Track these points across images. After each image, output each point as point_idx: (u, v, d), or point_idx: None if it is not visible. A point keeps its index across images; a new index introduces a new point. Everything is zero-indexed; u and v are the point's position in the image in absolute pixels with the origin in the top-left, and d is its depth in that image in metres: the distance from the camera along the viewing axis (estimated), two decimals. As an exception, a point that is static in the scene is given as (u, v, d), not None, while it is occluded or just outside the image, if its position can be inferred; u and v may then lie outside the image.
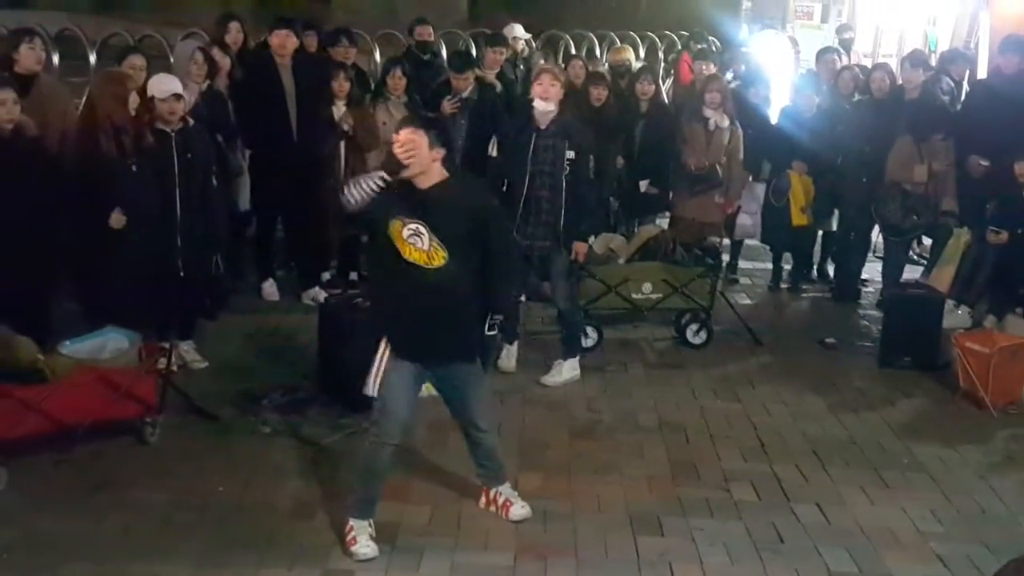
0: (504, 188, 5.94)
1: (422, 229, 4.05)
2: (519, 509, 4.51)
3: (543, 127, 5.92)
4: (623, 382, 6.30)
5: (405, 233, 4.05)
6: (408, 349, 4.18)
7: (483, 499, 4.59)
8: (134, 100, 5.39)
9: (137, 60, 6.34)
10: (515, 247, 5.36)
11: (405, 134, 4.07)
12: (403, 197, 4.09)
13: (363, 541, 4.17)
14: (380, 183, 4.03)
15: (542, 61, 8.48)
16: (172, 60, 7.11)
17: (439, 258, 4.05)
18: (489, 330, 4.31)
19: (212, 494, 4.62)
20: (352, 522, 4.22)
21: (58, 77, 8.37)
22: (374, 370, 4.22)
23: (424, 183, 4.11)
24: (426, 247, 4.05)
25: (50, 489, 4.59)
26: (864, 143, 7.79)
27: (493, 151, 6.55)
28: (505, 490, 4.57)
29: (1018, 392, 6.09)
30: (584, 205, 6.04)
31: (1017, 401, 6.07)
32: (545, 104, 5.89)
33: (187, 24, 10.55)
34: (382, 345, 4.22)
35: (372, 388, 4.24)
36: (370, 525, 4.24)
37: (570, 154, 5.90)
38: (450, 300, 4.14)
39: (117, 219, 5.50)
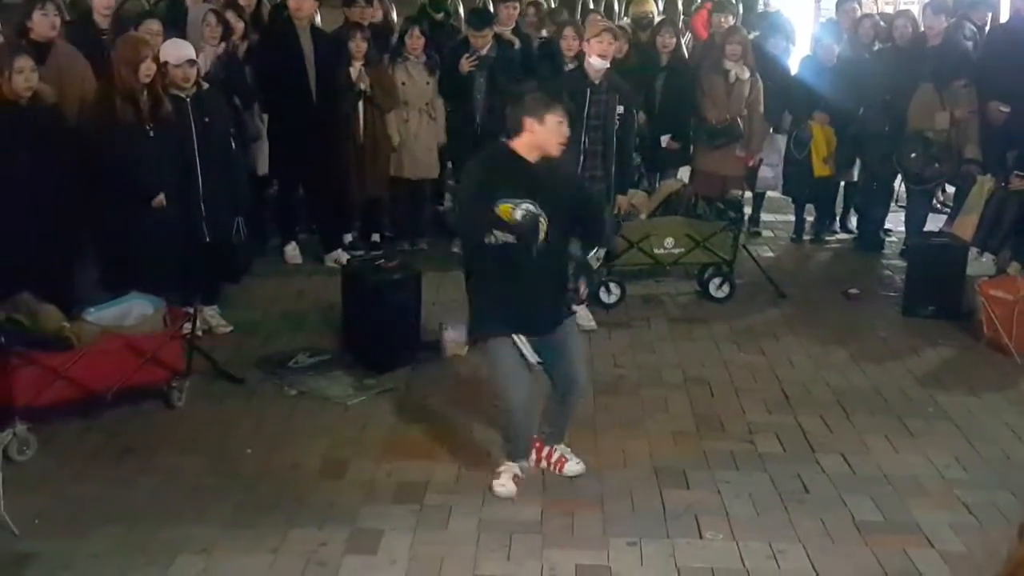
0: None
1: (531, 207, 3.99)
2: (574, 465, 4.55)
3: (596, 83, 5.98)
4: (647, 337, 6.30)
5: (517, 214, 3.97)
6: (516, 324, 4.23)
7: (534, 456, 4.58)
8: (150, 66, 5.37)
9: (154, 25, 6.33)
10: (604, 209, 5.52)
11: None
12: (511, 173, 4.09)
13: (503, 479, 4.34)
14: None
15: (598, 18, 8.33)
16: (187, 24, 7.06)
17: (544, 234, 4.05)
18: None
19: (240, 456, 4.67)
20: (504, 463, 4.40)
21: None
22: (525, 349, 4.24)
23: (534, 157, 4.15)
24: (530, 215, 4.01)
25: (79, 455, 4.65)
26: (886, 92, 7.72)
27: None
28: (560, 448, 4.60)
29: (1043, 339, 6.06)
30: (629, 159, 6.22)
31: (1042, 347, 6.04)
32: (602, 62, 5.97)
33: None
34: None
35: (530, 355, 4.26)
36: (520, 468, 4.39)
37: (620, 109, 6.02)
38: (553, 269, 4.20)
39: (159, 202, 5.53)
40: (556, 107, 4.16)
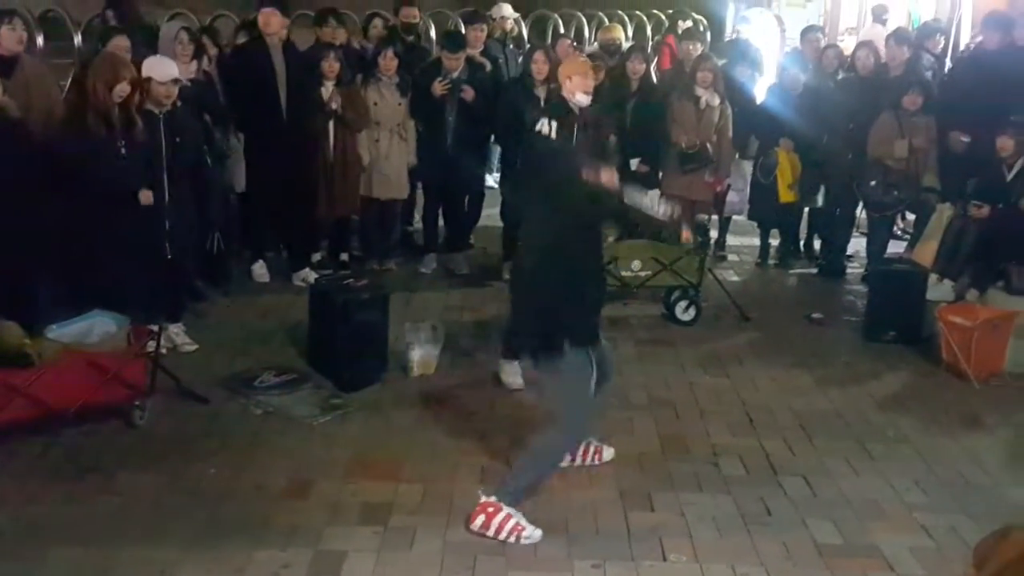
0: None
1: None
2: (609, 451, 4.89)
3: (578, 114, 6.18)
4: (613, 359, 6.32)
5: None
6: (595, 325, 4.35)
7: (568, 456, 4.65)
8: (124, 88, 5.35)
9: (122, 42, 6.32)
10: None
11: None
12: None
13: (531, 527, 4.19)
14: None
15: (579, 53, 8.40)
16: (159, 41, 7.06)
17: None
18: None
19: (203, 477, 4.64)
20: (509, 510, 4.20)
21: (42, 59, 8.33)
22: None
23: None
24: None
25: (39, 474, 4.59)
26: (848, 120, 7.84)
27: (553, 133, 6.52)
28: (592, 439, 4.84)
29: (1000, 364, 6.16)
30: None
31: (999, 373, 6.14)
32: (587, 98, 6.08)
33: (173, 5, 10.50)
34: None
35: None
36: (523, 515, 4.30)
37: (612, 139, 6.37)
38: None
39: (146, 195, 5.49)
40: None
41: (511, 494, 4.25)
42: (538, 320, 4.22)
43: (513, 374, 5.71)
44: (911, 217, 8.34)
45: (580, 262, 4.20)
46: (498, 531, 4.18)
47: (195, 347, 6.13)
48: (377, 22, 8.53)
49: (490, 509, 4.22)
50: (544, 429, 4.42)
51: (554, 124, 5.96)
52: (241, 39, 7.66)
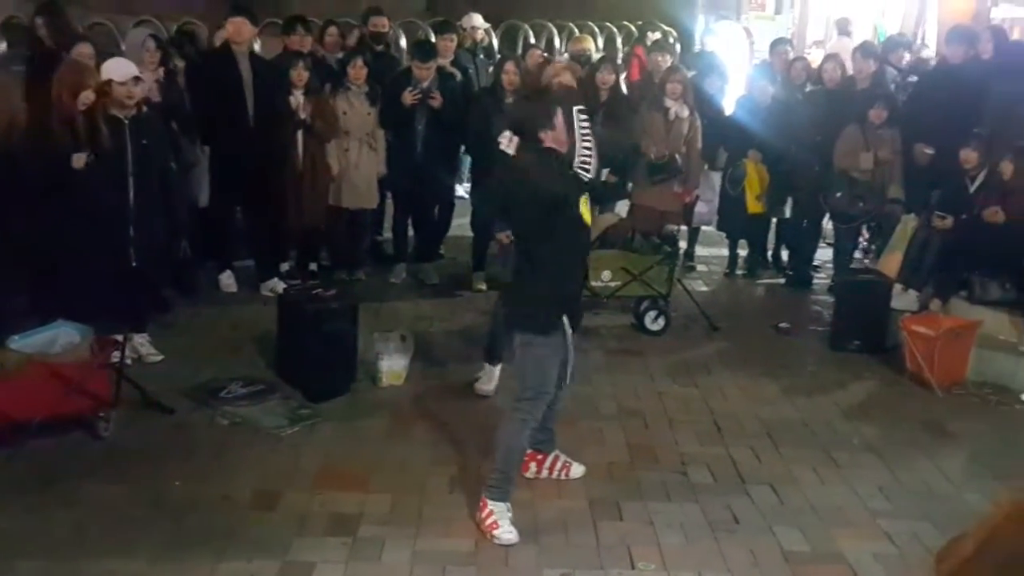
0: None
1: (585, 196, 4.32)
2: (578, 467, 4.83)
3: None
4: (582, 369, 6.26)
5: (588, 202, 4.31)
6: (575, 312, 4.37)
7: (534, 467, 4.76)
8: (89, 95, 5.31)
9: (86, 49, 6.27)
10: None
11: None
12: (573, 175, 4.32)
13: (506, 526, 4.25)
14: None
15: (547, 56, 8.47)
16: (123, 48, 7.02)
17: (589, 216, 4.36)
18: None
19: (169, 488, 4.60)
20: (493, 505, 4.29)
21: (3, 66, 8.23)
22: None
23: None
24: (588, 207, 4.34)
25: (2, 485, 4.53)
26: (816, 132, 7.92)
27: (511, 148, 6.47)
28: (561, 453, 4.81)
29: (962, 373, 6.25)
30: None
31: (961, 382, 6.22)
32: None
33: (139, 11, 10.42)
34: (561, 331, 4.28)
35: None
36: (508, 509, 4.31)
37: None
38: None
39: (78, 159, 5.40)
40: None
41: (491, 486, 4.34)
42: (533, 302, 4.31)
43: (488, 381, 5.73)
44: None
45: (561, 255, 4.27)
46: (482, 526, 4.29)
47: (160, 357, 6.08)
48: (332, 30, 8.45)
49: (481, 504, 4.33)
50: (504, 419, 4.45)
51: (515, 139, 5.92)
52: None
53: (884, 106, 7.59)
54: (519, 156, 4.48)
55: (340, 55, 8.08)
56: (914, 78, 8.53)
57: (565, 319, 4.25)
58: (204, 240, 7.45)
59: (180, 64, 7.20)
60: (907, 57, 9.01)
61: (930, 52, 10.08)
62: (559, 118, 4.28)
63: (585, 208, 4.27)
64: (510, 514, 4.30)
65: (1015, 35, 9.91)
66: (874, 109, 7.57)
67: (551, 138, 4.26)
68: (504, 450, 4.36)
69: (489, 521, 4.27)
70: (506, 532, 4.24)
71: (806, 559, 4.22)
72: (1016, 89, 7.09)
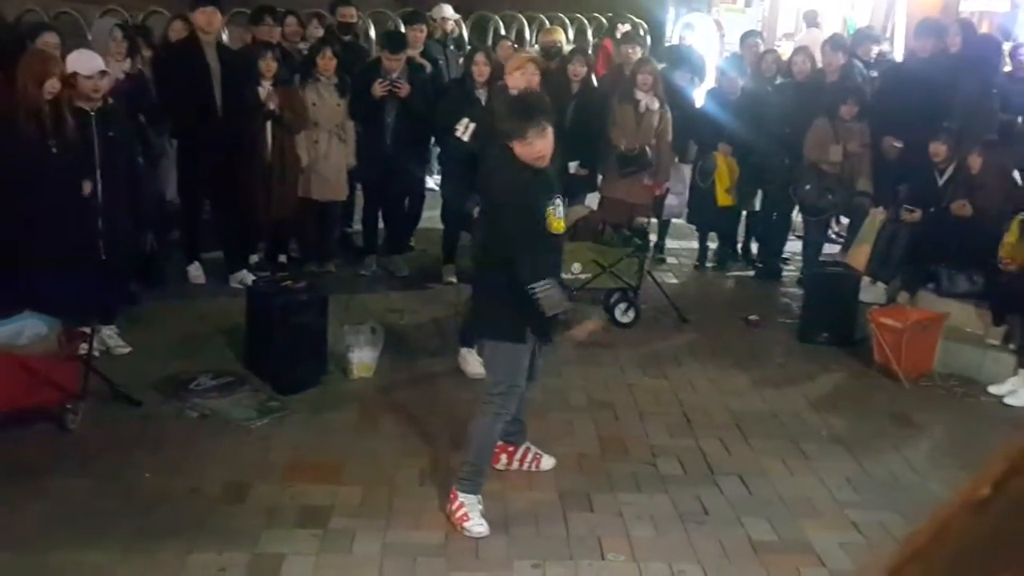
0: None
1: (558, 200, 4.22)
2: (548, 460, 4.86)
3: None
4: (553, 361, 6.29)
5: (556, 212, 4.19)
6: (548, 324, 4.29)
7: (505, 459, 4.77)
8: (54, 84, 5.25)
9: (51, 38, 6.19)
10: None
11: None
12: (541, 180, 4.21)
13: (476, 519, 4.25)
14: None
15: (517, 48, 8.44)
16: (90, 38, 6.94)
17: (563, 223, 4.29)
18: None
19: (138, 480, 4.56)
20: (464, 498, 4.28)
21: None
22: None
23: (545, 163, 4.24)
24: (563, 214, 4.27)
25: (-31, 478, 4.49)
26: (785, 125, 7.96)
27: (466, 136, 6.43)
28: (532, 446, 4.83)
29: (929, 364, 6.32)
30: None
31: (928, 373, 6.29)
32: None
33: (105, 1, 10.30)
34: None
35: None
36: (479, 501, 4.31)
37: None
38: None
39: (87, 186, 5.43)
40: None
41: (462, 479, 4.33)
42: (499, 313, 4.29)
43: (475, 364, 5.76)
44: (845, 221, 8.50)
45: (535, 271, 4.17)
46: (453, 518, 4.28)
47: (129, 349, 6.03)
48: (291, 19, 8.38)
49: (452, 496, 4.33)
50: (477, 413, 4.44)
51: (471, 127, 5.90)
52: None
53: (855, 101, 7.64)
54: (488, 149, 4.44)
55: (300, 44, 8.02)
56: (874, 74, 8.60)
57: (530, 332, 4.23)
58: (174, 231, 7.40)
59: (147, 54, 7.13)
60: (875, 50, 9.08)
61: (888, 47, 10.17)
62: (540, 137, 4.12)
63: (553, 217, 4.16)
64: (481, 507, 4.31)
65: (983, 28, 10.00)
66: (845, 105, 7.62)
67: (519, 147, 4.13)
68: (477, 444, 4.37)
69: (460, 513, 4.27)
70: (476, 525, 4.25)
71: (774, 549, 4.26)
72: (984, 82, 7.18)
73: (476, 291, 4.67)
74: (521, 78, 5.99)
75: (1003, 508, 0.48)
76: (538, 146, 4.12)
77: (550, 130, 4.16)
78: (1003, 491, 0.49)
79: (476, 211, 5.44)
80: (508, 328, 4.25)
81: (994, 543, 0.47)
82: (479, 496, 4.33)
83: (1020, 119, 8.19)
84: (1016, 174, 6.99)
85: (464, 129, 5.71)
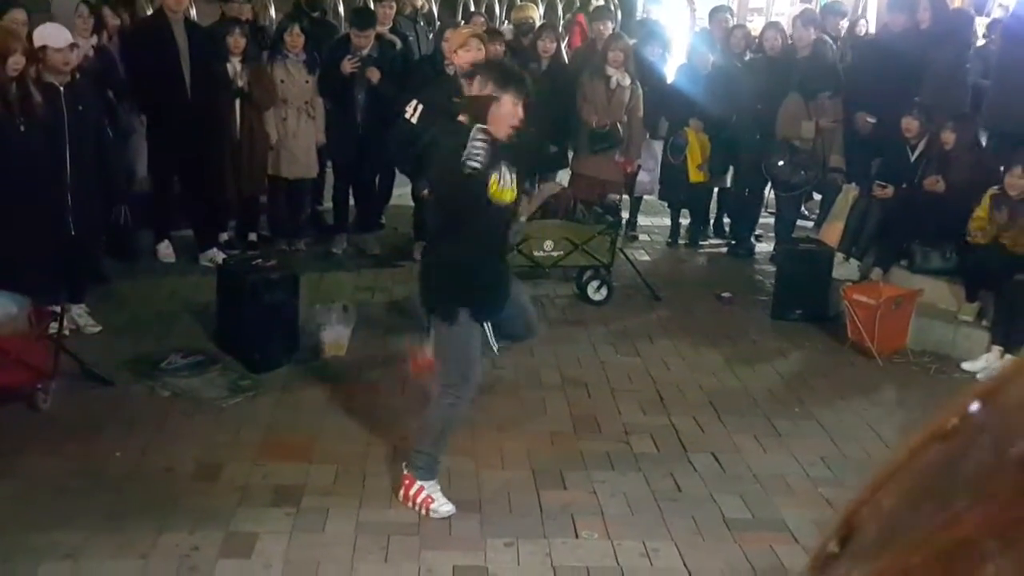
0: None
1: (505, 168, 4.04)
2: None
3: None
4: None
5: (501, 182, 4.02)
6: (491, 307, 4.19)
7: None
8: (19, 60, 5.14)
9: (19, 15, 6.07)
10: None
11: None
12: (492, 147, 4.01)
13: (440, 499, 4.21)
14: (485, 136, 3.95)
15: (464, 24, 8.32)
16: (52, 13, 6.80)
17: (512, 193, 4.11)
18: None
19: (109, 460, 4.52)
20: (422, 483, 4.22)
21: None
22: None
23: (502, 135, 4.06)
24: (510, 184, 4.08)
25: (-64, 460, 4.43)
26: (757, 101, 7.97)
27: (414, 118, 6.32)
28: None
29: (902, 341, 6.36)
30: None
31: (901, 350, 6.33)
32: None
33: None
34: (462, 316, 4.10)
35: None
36: (436, 483, 4.26)
37: None
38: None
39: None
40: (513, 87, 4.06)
41: (418, 467, 4.26)
42: (436, 287, 4.24)
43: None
44: (818, 197, 8.53)
45: (471, 243, 4.09)
46: (414, 504, 4.22)
47: (99, 328, 5.96)
48: None
49: (406, 482, 4.26)
50: (433, 401, 4.37)
51: (420, 108, 5.77)
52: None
53: (830, 89, 7.64)
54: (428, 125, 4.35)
55: (248, 17, 7.83)
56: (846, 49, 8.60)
57: (466, 312, 4.09)
58: (144, 209, 7.31)
59: (115, 23, 7.00)
60: (843, 24, 9.08)
61: (863, 24, 10.17)
62: (515, 104, 4.00)
63: (497, 187, 4.00)
64: (439, 487, 4.27)
65: (956, 3, 10.03)
66: (821, 96, 7.61)
67: (495, 107, 3.99)
68: (435, 432, 4.28)
69: (422, 497, 4.21)
70: (443, 505, 4.21)
71: (748, 526, 4.28)
72: (955, 58, 7.19)
73: (420, 269, 4.50)
74: (467, 55, 5.81)
75: (965, 436, 0.51)
76: (508, 110, 4.00)
77: (521, 105, 4.05)
78: (968, 421, 0.51)
79: (426, 192, 5.39)
80: (439, 304, 4.14)
81: (953, 470, 0.50)
82: (436, 479, 4.28)
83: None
84: (983, 138, 7.02)
85: (413, 111, 5.62)
